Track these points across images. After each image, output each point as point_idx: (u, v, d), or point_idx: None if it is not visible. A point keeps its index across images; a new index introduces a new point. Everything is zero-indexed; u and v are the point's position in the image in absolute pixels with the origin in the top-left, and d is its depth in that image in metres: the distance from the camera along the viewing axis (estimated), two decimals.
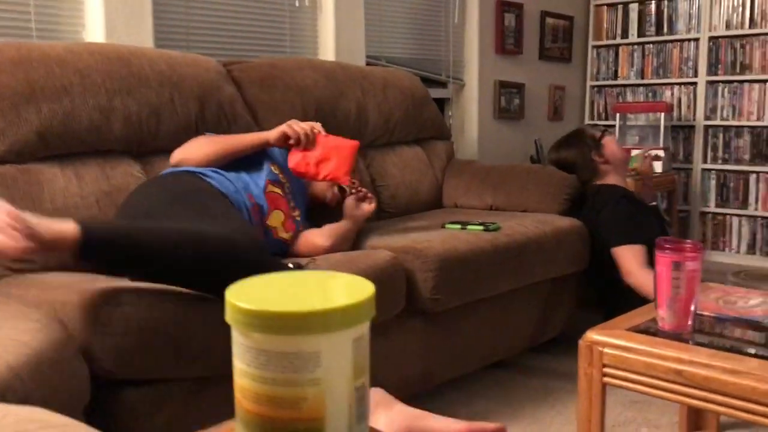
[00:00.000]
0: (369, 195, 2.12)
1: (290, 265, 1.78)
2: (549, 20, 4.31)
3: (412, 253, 2.08)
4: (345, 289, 0.48)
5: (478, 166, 3.11)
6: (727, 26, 4.14)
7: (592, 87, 4.70)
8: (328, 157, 2.01)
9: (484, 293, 2.26)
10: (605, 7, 4.61)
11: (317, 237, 2.04)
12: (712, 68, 4.21)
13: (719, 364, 1.34)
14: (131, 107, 2.07)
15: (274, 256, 1.85)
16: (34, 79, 1.91)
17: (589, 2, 4.65)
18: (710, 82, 4.22)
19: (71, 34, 2.39)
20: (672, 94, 4.38)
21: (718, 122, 4.21)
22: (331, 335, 0.45)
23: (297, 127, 2.00)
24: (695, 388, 1.35)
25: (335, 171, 2.01)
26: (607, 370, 1.49)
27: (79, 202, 1.90)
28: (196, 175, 1.87)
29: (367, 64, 3.27)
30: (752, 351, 1.40)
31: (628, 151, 3.80)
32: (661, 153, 3.99)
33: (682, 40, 4.32)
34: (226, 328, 0.48)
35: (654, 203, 2.90)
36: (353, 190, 2.11)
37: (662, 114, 4.10)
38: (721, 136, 4.22)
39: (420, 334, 2.14)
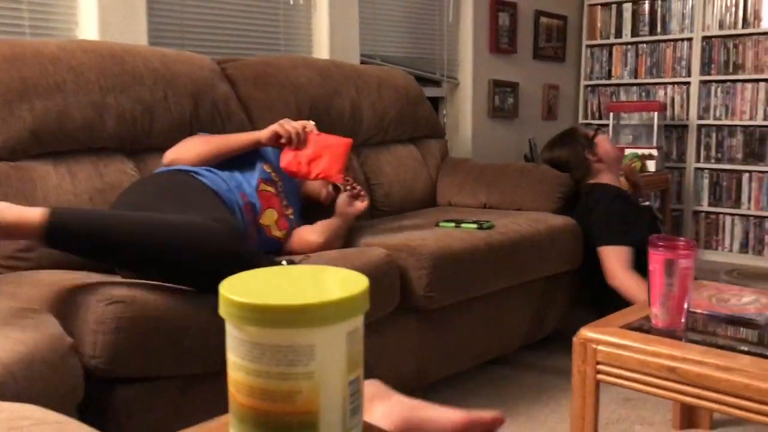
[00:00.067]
0: (362, 193, 2.12)
1: (283, 262, 1.78)
2: (543, 19, 4.32)
3: (406, 251, 2.08)
4: (339, 282, 0.48)
5: (472, 164, 3.12)
6: (720, 26, 4.15)
7: (586, 86, 4.71)
8: (320, 156, 2.01)
9: (478, 291, 2.27)
10: (599, 6, 4.62)
11: (310, 234, 2.04)
12: (705, 68, 4.23)
13: (712, 361, 1.34)
14: (125, 105, 2.07)
15: (267, 254, 1.84)
16: (28, 76, 1.90)
17: (583, 2, 4.66)
18: (703, 82, 4.24)
19: (65, 32, 2.38)
20: (665, 93, 4.39)
21: (711, 122, 4.23)
22: (325, 328, 0.45)
23: (288, 126, 2.00)
24: (688, 385, 1.36)
25: (327, 169, 2.00)
26: (600, 367, 1.49)
27: (72, 200, 1.89)
28: (189, 173, 1.87)
29: (362, 62, 3.27)
30: (745, 348, 1.41)
31: (622, 150, 3.81)
32: (654, 152, 4.01)
33: (675, 40, 4.34)
34: (221, 324, 0.48)
35: (647, 203, 2.90)
36: (347, 187, 2.10)
37: (655, 113, 4.11)
38: (714, 135, 4.24)
39: (414, 332, 2.14)
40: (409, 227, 2.38)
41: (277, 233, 2.00)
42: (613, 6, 4.57)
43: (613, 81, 4.60)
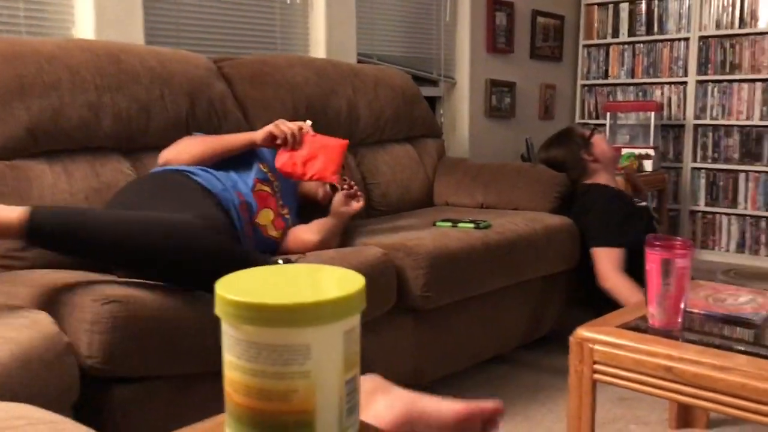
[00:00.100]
0: (359, 193, 2.11)
1: (279, 261, 1.78)
2: (540, 19, 4.32)
3: (403, 251, 2.08)
4: (335, 281, 0.48)
5: (469, 164, 3.12)
6: (717, 26, 4.16)
7: (583, 86, 4.71)
8: (316, 157, 2.00)
9: (474, 291, 2.27)
10: (596, 6, 4.63)
11: (305, 233, 2.04)
12: (701, 68, 4.23)
13: (708, 360, 1.34)
14: (121, 104, 2.06)
15: (263, 253, 1.84)
16: (24, 75, 1.90)
17: (580, 1, 4.67)
18: (700, 82, 4.24)
19: (61, 31, 2.38)
20: (662, 93, 4.40)
21: (707, 121, 4.23)
22: (321, 327, 0.45)
23: (284, 127, 1.99)
24: (685, 384, 1.36)
25: (322, 171, 2.00)
26: (597, 367, 1.49)
27: (68, 199, 1.89)
28: (183, 173, 1.86)
29: (359, 61, 3.27)
30: (741, 348, 1.41)
31: (618, 150, 3.81)
32: (651, 152, 4.01)
33: (672, 40, 4.34)
34: (217, 324, 0.48)
35: (644, 203, 2.90)
36: (344, 186, 2.10)
37: (652, 113, 4.12)
38: (710, 135, 4.24)
39: (411, 332, 2.14)
40: (406, 227, 2.38)
41: (274, 233, 2.00)
42: (610, 6, 4.57)
43: (610, 81, 4.60)
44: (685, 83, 4.30)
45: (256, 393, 0.45)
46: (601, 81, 4.64)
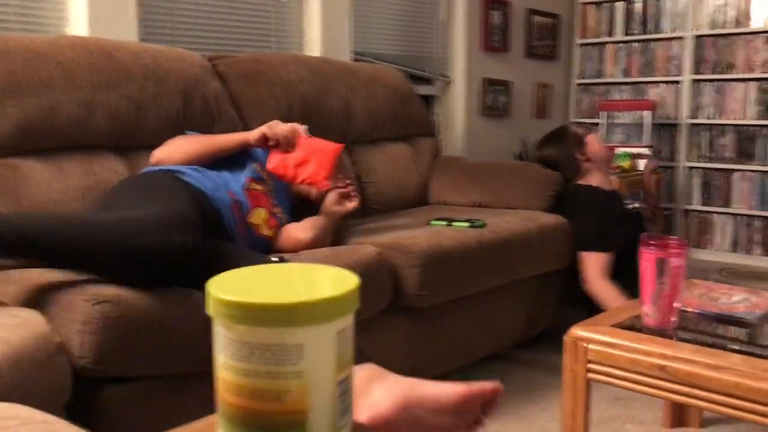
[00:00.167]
0: (354, 193, 2.09)
1: (273, 258, 1.77)
2: (535, 18, 4.32)
3: (398, 250, 2.08)
4: (328, 281, 0.48)
5: (464, 163, 3.11)
6: (712, 25, 4.17)
7: (578, 85, 4.72)
8: (308, 161, 1.99)
9: (469, 290, 2.27)
10: (591, 5, 4.63)
11: (298, 231, 2.03)
12: (696, 67, 4.24)
13: (702, 359, 1.35)
14: (114, 101, 2.05)
15: (256, 252, 1.83)
16: (16, 72, 1.89)
17: (575, 0, 4.67)
18: (695, 81, 4.25)
19: (54, 28, 2.36)
20: (657, 92, 4.41)
21: (702, 120, 4.24)
22: (314, 327, 0.45)
23: (277, 128, 1.98)
24: (679, 383, 1.36)
25: (314, 175, 1.98)
26: (591, 366, 1.49)
27: (61, 198, 1.88)
28: (172, 173, 1.85)
29: (354, 60, 3.26)
30: (735, 347, 1.41)
31: (612, 149, 3.82)
32: (646, 151, 4.02)
33: (667, 39, 4.35)
34: (209, 323, 0.48)
35: (637, 205, 2.90)
36: (339, 185, 2.09)
37: (647, 112, 4.12)
38: (705, 134, 4.25)
39: (406, 331, 2.14)
40: (401, 226, 2.37)
41: (267, 232, 1.99)
42: (606, 5, 4.57)
43: (605, 80, 4.60)
44: (679, 82, 4.30)
45: (248, 393, 0.45)
46: (596, 80, 4.64)
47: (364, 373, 0.68)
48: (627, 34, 4.50)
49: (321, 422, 0.46)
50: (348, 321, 0.48)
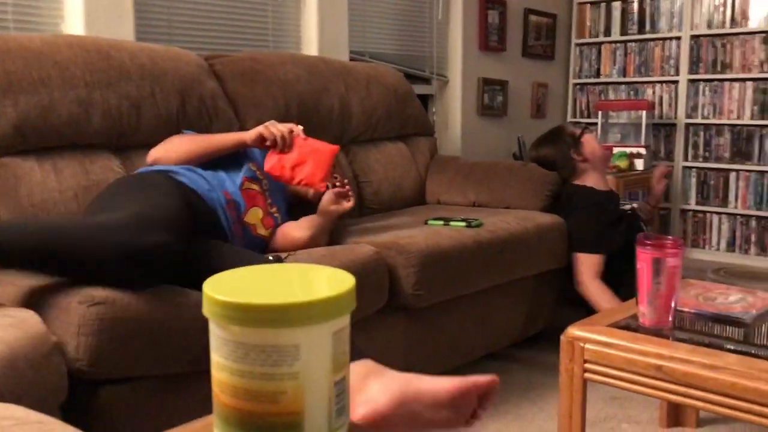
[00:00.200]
0: (350, 192, 2.09)
1: (270, 257, 1.77)
2: (532, 17, 4.32)
3: (395, 249, 2.08)
4: (324, 281, 0.48)
5: (461, 162, 3.11)
6: (709, 25, 4.17)
7: (575, 85, 4.72)
8: (305, 162, 1.98)
9: (466, 289, 2.27)
10: (588, 5, 4.63)
11: (294, 230, 2.02)
12: (693, 67, 4.24)
13: (699, 359, 1.35)
14: (111, 101, 2.05)
15: (252, 252, 1.83)
16: (12, 71, 1.88)
17: (573, 0, 4.67)
18: (691, 81, 4.25)
19: (50, 27, 2.36)
20: (654, 92, 4.41)
21: (698, 120, 4.25)
22: (310, 328, 0.44)
23: (274, 129, 1.97)
24: (675, 383, 1.36)
25: (310, 176, 1.98)
26: (588, 366, 1.49)
27: (57, 197, 1.87)
28: (166, 173, 1.84)
29: (351, 59, 3.26)
30: (731, 347, 1.41)
31: (609, 149, 3.82)
32: (642, 151, 4.02)
33: (664, 39, 4.35)
34: (205, 323, 0.48)
35: (634, 205, 2.91)
36: (336, 184, 2.08)
37: (644, 112, 4.13)
38: (701, 134, 4.26)
39: (402, 330, 2.14)
40: (398, 225, 2.37)
41: (263, 231, 1.99)
42: (603, 4, 4.58)
43: (602, 79, 4.61)
44: (676, 82, 4.31)
45: (244, 394, 0.45)
46: (592, 80, 4.65)
47: (360, 369, 0.68)
48: (624, 33, 4.51)
49: (317, 423, 0.46)
50: (344, 321, 0.48)
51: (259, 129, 1.98)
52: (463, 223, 2.35)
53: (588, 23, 4.64)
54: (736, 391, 1.28)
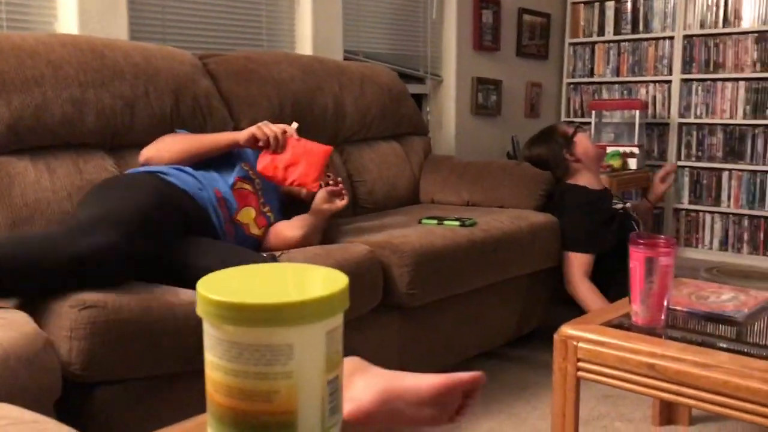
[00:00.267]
0: (344, 191, 2.09)
1: (263, 255, 1.77)
2: (526, 17, 4.33)
3: (389, 248, 2.08)
4: (318, 280, 0.48)
5: (455, 162, 3.12)
6: (702, 25, 4.19)
7: (569, 84, 4.73)
8: (298, 162, 1.98)
9: (460, 288, 2.27)
10: (582, 5, 4.64)
11: (287, 229, 2.02)
12: (686, 66, 4.26)
13: (691, 358, 1.35)
14: (105, 100, 2.05)
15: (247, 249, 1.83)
16: (5, 70, 1.87)
17: (566, 0, 4.68)
18: (684, 80, 4.27)
19: (43, 26, 2.35)
20: (647, 91, 4.42)
21: (691, 120, 4.26)
22: (303, 327, 0.45)
23: (267, 129, 1.97)
24: (667, 382, 1.37)
25: (303, 177, 1.98)
26: (581, 364, 1.50)
27: (50, 197, 1.87)
28: (155, 174, 1.84)
29: (345, 58, 3.26)
30: (723, 345, 1.42)
31: (603, 148, 3.83)
32: (636, 150, 4.03)
33: (657, 39, 4.36)
34: (198, 323, 0.48)
35: (628, 204, 2.91)
36: (329, 182, 2.08)
37: (637, 111, 4.14)
38: (694, 133, 4.27)
39: (396, 329, 2.14)
40: (392, 224, 2.37)
41: (256, 231, 1.99)
42: (596, 4, 4.59)
43: (596, 79, 4.62)
44: (669, 82, 4.32)
45: (237, 393, 0.45)
46: (586, 79, 4.66)
47: (346, 366, 0.68)
48: (617, 33, 4.52)
49: (310, 422, 0.46)
50: (338, 321, 0.48)
51: (252, 129, 1.97)
52: (457, 223, 2.35)
53: (582, 23, 4.65)
54: (729, 389, 1.29)
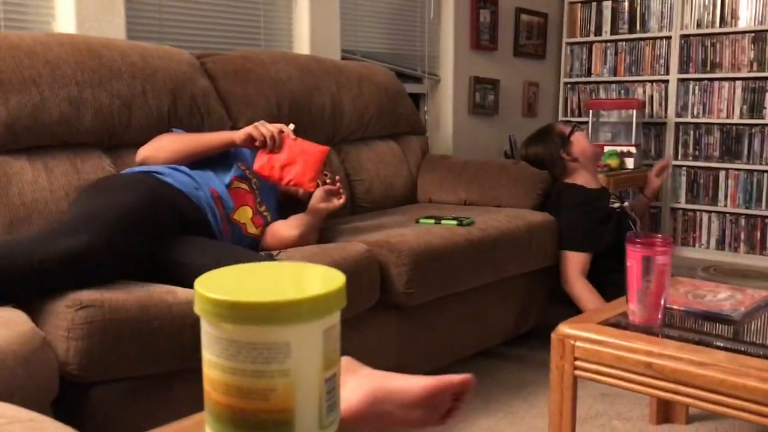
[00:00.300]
0: (341, 190, 2.09)
1: (261, 254, 1.77)
2: (524, 17, 4.33)
3: (386, 247, 2.08)
4: (315, 279, 0.48)
5: (453, 161, 3.12)
6: (698, 25, 4.19)
7: (566, 84, 4.73)
8: (294, 162, 1.98)
9: (458, 287, 2.27)
10: (579, 4, 4.65)
11: (283, 229, 2.02)
12: (683, 66, 4.26)
13: (688, 356, 1.36)
14: (102, 99, 2.04)
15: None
16: (2, 69, 1.87)
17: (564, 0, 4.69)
18: (681, 80, 4.27)
19: (41, 25, 2.35)
20: (644, 91, 4.43)
21: (688, 119, 4.27)
22: (301, 325, 0.45)
23: (263, 129, 1.97)
24: (664, 380, 1.37)
25: (300, 177, 1.98)
26: (578, 363, 1.50)
27: (48, 196, 1.87)
28: (150, 174, 1.84)
29: (343, 58, 3.26)
30: (720, 344, 1.42)
31: (601, 147, 3.83)
32: (633, 150, 4.04)
33: (654, 38, 4.37)
34: (195, 321, 0.48)
35: (625, 204, 2.91)
36: (327, 181, 2.08)
37: (634, 111, 4.14)
38: (691, 133, 4.28)
39: (394, 328, 2.14)
40: (390, 224, 2.38)
41: (253, 230, 1.99)
42: (593, 4, 4.59)
43: (593, 78, 4.62)
44: (666, 81, 4.33)
45: (235, 391, 0.45)
46: (583, 79, 4.66)
47: None
48: (614, 33, 4.53)
49: (307, 420, 0.46)
50: (335, 319, 0.48)
51: (248, 129, 1.97)
52: (455, 222, 2.36)
53: (579, 22, 4.66)
54: (725, 387, 1.29)
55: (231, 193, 1.95)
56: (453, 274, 2.22)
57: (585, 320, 1.57)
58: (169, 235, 1.69)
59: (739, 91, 4.09)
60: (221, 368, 0.46)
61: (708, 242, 4.27)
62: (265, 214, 2.05)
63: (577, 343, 1.50)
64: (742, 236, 4.15)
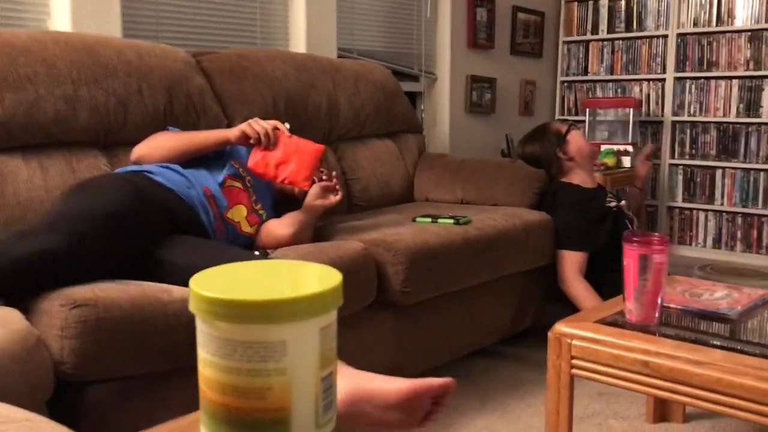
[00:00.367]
0: (337, 186, 2.07)
1: (256, 252, 1.76)
2: (520, 15, 4.33)
3: (383, 246, 2.08)
4: (311, 277, 0.48)
5: (450, 160, 3.12)
6: (695, 23, 4.20)
7: (563, 82, 4.74)
8: (289, 160, 1.97)
9: (454, 286, 2.27)
10: (576, 3, 4.65)
11: (278, 227, 2.01)
12: (679, 65, 4.27)
13: (684, 355, 1.36)
14: (98, 98, 2.04)
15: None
16: None
17: None
18: (678, 79, 4.28)
19: (36, 23, 2.34)
20: (641, 89, 4.43)
21: (685, 118, 4.27)
22: (297, 324, 0.44)
23: (257, 125, 1.96)
24: (661, 379, 1.37)
25: (294, 175, 1.97)
26: (575, 362, 1.50)
27: (43, 195, 1.86)
28: (141, 173, 1.83)
29: (339, 56, 3.25)
30: (717, 342, 1.42)
31: (597, 146, 3.84)
32: (630, 148, 4.04)
33: (650, 37, 4.37)
34: (190, 320, 0.48)
35: (622, 202, 2.91)
36: (323, 177, 2.07)
37: (631, 109, 4.15)
38: (688, 131, 4.29)
39: (391, 327, 2.14)
40: (386, 222, 2.37)
41: (248, 229, 1.98)
42: (590, 2, 4.59)
43: (590, 77, 4.63)
44: (663, 80, 4.33)
45: (231, 390, 0.45)
46: (580, 77, 4.66)
47: None
48: (611, 31, 4.53)
49: (304, 419, 0.46)
50: (331, 318, 0.48)
51: (243, 126, 1.96)
52: (451, 221, 2.35)
53: (576, 21, 4.66)
54: (722, 386, 1.29)
55: (224, 191, 1.94)
56: (450, 273, 2.22)
57: (582, 319, 1.57)
58: (159, 234, 1.68)
59: (735, 90, 4.09)
60: (217, 367, 0.46)
61: (705, 241, 4.27)
62: (261, 212, 2.04)
63: (574, 342, 1.50)
64: (739, 235, 4.16)
